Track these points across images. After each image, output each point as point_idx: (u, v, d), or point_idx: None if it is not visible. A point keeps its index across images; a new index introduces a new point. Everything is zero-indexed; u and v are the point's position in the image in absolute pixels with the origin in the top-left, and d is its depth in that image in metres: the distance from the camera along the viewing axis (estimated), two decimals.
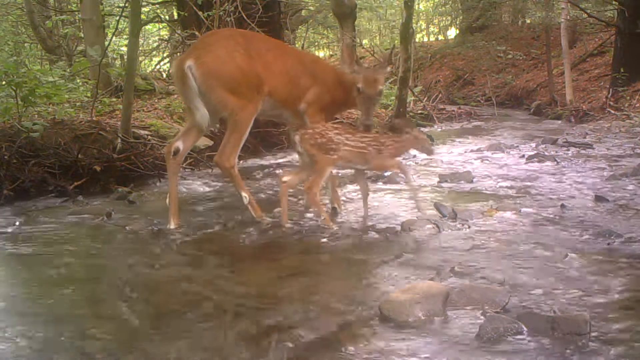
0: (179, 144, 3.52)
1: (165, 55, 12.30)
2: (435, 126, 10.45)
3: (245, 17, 6.90)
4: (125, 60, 6.03)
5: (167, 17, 10.84)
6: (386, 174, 4.85)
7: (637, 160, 5.57)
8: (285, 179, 3.45)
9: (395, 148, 3.45)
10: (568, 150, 6.57)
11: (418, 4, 21.22)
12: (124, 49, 9.47)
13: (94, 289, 2.49)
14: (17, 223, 3.57)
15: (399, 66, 8.09)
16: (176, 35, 9.05)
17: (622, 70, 10.36)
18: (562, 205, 3.67)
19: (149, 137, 5.51)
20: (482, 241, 2.97)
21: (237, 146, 3.42)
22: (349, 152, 3.36)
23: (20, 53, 11.47)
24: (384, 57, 3.72)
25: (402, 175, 3.55)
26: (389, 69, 3.74)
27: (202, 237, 3.27)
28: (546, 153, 6.20)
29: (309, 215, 3.67)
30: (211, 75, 3.30)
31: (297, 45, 13.27)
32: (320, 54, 20.25)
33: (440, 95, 13.95)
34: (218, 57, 3.35)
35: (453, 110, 12.21)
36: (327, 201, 3.87)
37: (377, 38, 24.73)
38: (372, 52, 14.99)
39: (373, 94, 3.51)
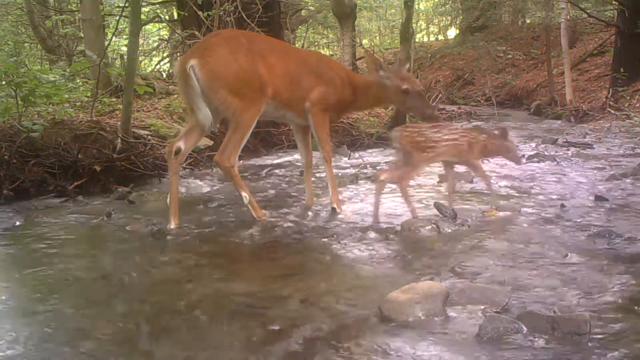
0: (181, 144, 3.51)
1: (165, 55, 12.29)
2: None
3: (245, 17, 6.91)
4: (125, 60, 6.02)
5: (167, 17, 10.85)
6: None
7: (637, 160, 5.57)
8: (383, 177, 3.53)
9: (484, 147, 3.53)
10: (568, 150, 6.57)
11: (418, 4, 21.23)
12: (124, 49, 9.47)
13: (94, 288, 2.49)
14: (17, 223, 3.57)
15: None
16: (176, 35, 9.05)
17: (622, 70, 10.36)
18: (562, 205, 3.67)
19: (149, 137, 5.51)
20: (482, 241, 2.97)
21: (238, 147, 3.41)
22: (447, 146, 3.45)
23: (20, 53, 11.48)
24: (402, 55, 3.80)
25: (479, 179, 3.70)
26: (407, 65, 3.81)
27: (202, 237, 3.27)
28: (546, 153, 6.20)
29: (309, 215, 3.67)
30: (214, 76, 3.29)
31: (297, 45, 13.27)
32: None
33: (440, 95, 13.94)
34: (221, 58, 3.33)
35: (453, 110, 12.20)
36: (327, 201, 3.87)
37: (377, 38, 24.75)
38: (372, 52, 14.98)
39: (418, 89, 3.67)
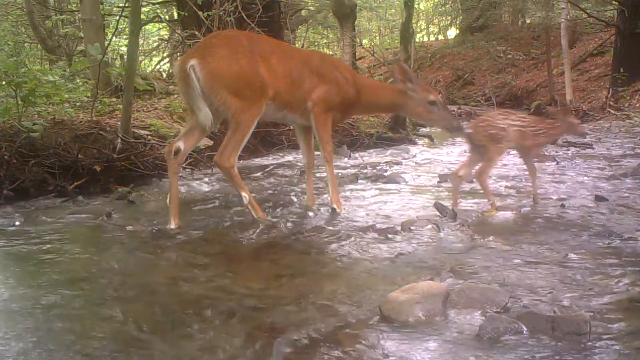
0: (180, 144, 3.50)
1: (165, 55, 12.29)
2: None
3: (245, 17, 6.91)
4: (125, 60, 6.02)
5: (167, 17, 10.84)
6: (392, 169, 4.85)
7: (637, 160, 5.57)
8: (460, 173, 3.76)
9: (548, 135, 3.74)
10: (568, 150, 6.58)
11: (418, 4, 21.23)
12: (124, 49, 9.46)
13: (94, 288, 2.49)
14: (17, 223, 3.56)
15: None
16: (176, 35, 9.06)
17: (622, 70, 10.37)
18: (562, 205, 3.68)
19: (149, 137, 5.51)
20: (482, 241, 2.97)
21: (238, 147, 3.41)
22: (516, 131, 3.62)
23: (20, 53, 11.46)
24: (402, 56, 3.88)
25: (529, 171, 3.92)
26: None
27: (202, 237, 3.27)
28: (546, 153, 6.20)
29: (309, 215, 3.67)
30: (215, 77, 3.27)
31: (297, 45, 13.27)
32: None
33: (440, 95, 13.96)
34: (222, 58, 3.32)
35: (453, 110, 12.16)
36: (327, 200, 3.87)
37: (377, 38, 24.75)
38: (372, 52, 15.03)
39: (442, 101, 3.79)
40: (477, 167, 3.70)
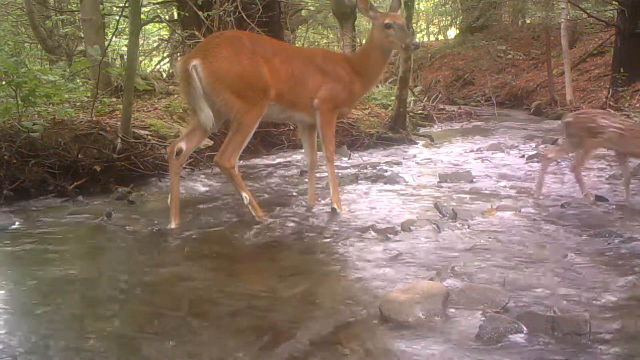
0: (183, 145, 3.50)
1: (165, 55, 12.28)
2: (435, 126, 10.46)
3: (245, 17, 6.91)
4: (125, 60, 6.02)
5: (167, 17, 10.84)
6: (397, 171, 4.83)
7: (637, 160, 5.57)
8: (550, 155, 4.00)
9: None
10: None
11: (418, 4, 21.22)
12: (124, 49, 9.46)
13: (94, 289, 2.50)
14: (17, 223, 3.56)
15: (399, 66, 8.10)
16: (176, 35, 9.06)
17: (622, 70, 10.37)
18: (562, 205, 3.68)
19: (149, 137, 5.50)
20: (482, 241, 2.98)
21: (239, 148, 3.41)
22: (614, 133, 3.70)
23: (20, 53, 11.47)
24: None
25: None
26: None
27: (202, 237, 3.27)
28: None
29: (309, 215, 3.67)
30: (217, 77, 3.27)
31: (297, 45, 13.26)
32: None
33: (440, 95, 13.95)
34: (224, 58, 3.31)
35: (453, 110, 12.21)
36: (328, 200, 3.87)
37: None
38: None
39: (401, 21, 3.72)
40: (572, 160, 3.83)
